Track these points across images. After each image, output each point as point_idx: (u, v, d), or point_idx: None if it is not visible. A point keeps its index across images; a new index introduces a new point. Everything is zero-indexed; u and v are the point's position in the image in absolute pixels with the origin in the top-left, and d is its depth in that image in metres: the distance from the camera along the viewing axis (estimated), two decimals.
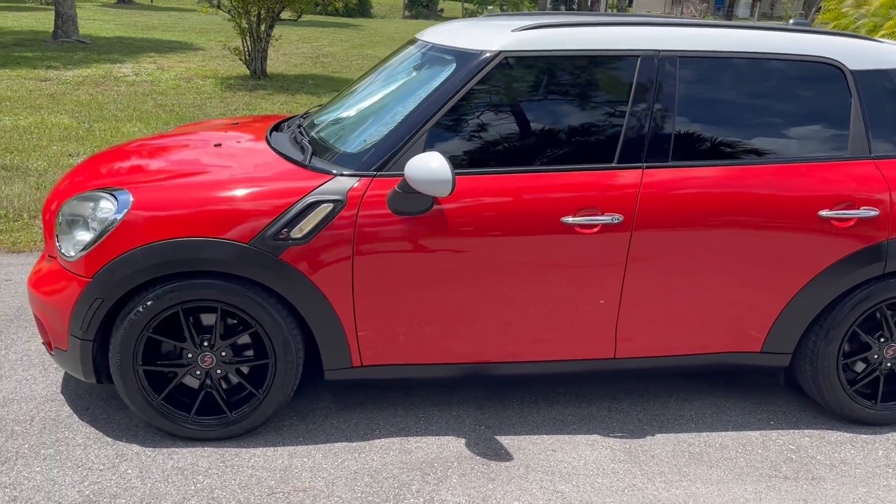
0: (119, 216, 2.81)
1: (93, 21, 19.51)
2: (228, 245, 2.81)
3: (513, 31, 3.02)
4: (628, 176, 2.95)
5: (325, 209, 2.83)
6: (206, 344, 2.94)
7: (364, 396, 3.36)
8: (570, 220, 2.91)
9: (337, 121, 3.41)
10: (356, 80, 3.83)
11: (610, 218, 2.92)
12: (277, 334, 2.92)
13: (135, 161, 3.39)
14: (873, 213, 3.02)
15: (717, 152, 3.05)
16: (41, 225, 5.41)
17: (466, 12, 32.05)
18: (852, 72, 3.10)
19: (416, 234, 2.88)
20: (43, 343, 3.18)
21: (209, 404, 3.00)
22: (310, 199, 2.84)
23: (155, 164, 3.30)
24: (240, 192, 2.87)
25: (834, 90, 3.10)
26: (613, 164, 2.97)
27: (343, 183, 2.88)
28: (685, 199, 2.97)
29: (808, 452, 3.09)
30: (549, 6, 33.85)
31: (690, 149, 3.03)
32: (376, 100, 3.34)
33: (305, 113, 3.91)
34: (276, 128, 3.63)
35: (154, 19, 21.84)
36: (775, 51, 3.08)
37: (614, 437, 3.15)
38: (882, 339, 3.21)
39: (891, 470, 3.00)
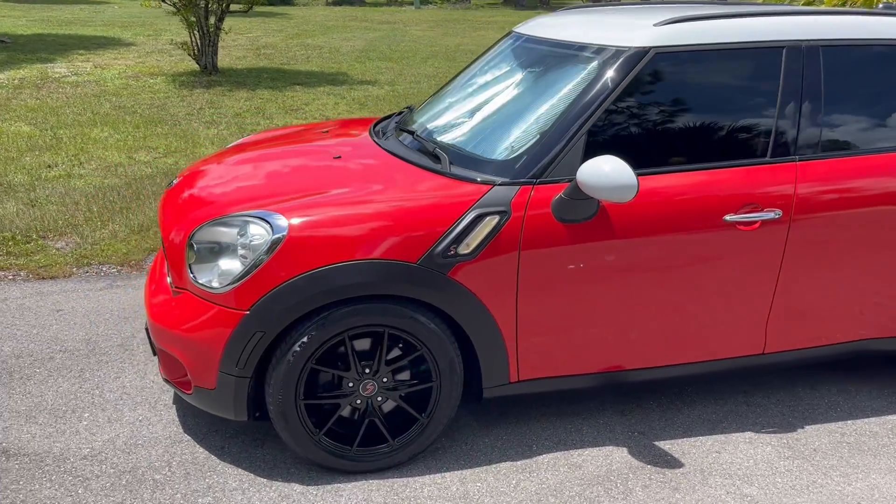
0: (276, 242, 2.59)
1: (3, 18, 18.28)
2: (397, 266, 2.64)
3: (655, 25, 2.93)
4: (784, 170, 2.93)
5: (492, 221, 2.69)
6: (367, 371, 2.76)
7: (501, 412, 3.24)
8: (731, 217, 2.87)
9: (456, 124, 3.24)
10: (455, 78, 3.67)
11: (772, 213, 2.89)
12: (443, 355, 2.77)
13: (252, 178, 3.15)
14: None
15: (863, 141, 3.05)
16: (56, 246, 5.03)
17: None
18: None
19: (581, 241, 2.78)
20: (167, 380, 2.93)
21: (366, 434, 2.82)
22: (475, 211, 2.69)
23: (280, 181, 3.06)
24: (400, 209, 2.70)
25: None
26: (769, 159, 2.94)
27: (504, 193, 2.74)
28: (838, 191, 2.97)
29: None
30: None
31: (838, 139, 3.02)
32: (501, 100, 3.19)
33: (399, 114, 3.72)
34: (376, 133, 3.45)
35: (67, 13, 20.62)
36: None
37: (767, 432, 3.14)
38: None
39: None
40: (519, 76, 3.30)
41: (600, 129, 2.84)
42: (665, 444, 3.05)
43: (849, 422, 3.22)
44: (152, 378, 3.43)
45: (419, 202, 2.73)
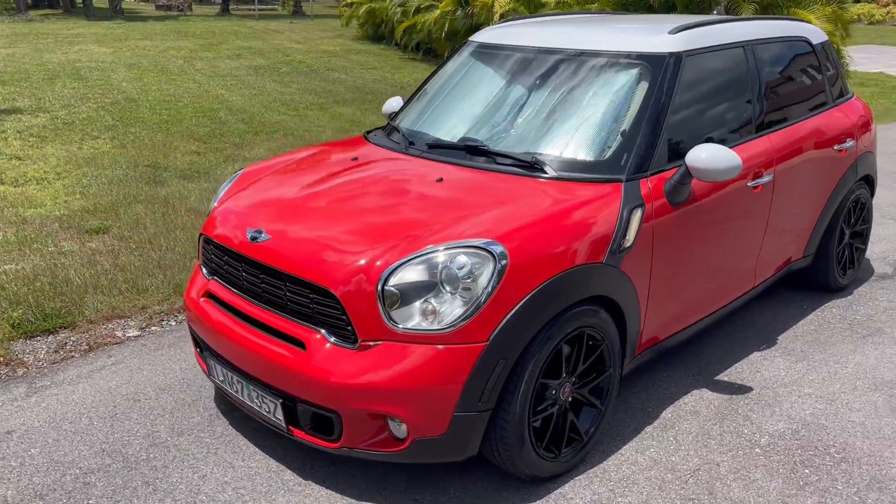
0: (502, 268, 2.56)
1: None
2: (594, 268, 2.81)
3: (670, 32, 3.45)
4: (766, 142, 3.72)
5: (637, 213, 2.99)
6: (564, 374, 2.86)
7: None
8: (751, 182, 3.57)
9: (510, 133, 3.34)
10: (430, 89, 3.88)
11: (769, 177, 3.66)
12: (614, 344, 3.00)
13: (379, 209, 2.91)
14: (850, 143, 4.32)
15: (787, 116, 3.98)
16: None
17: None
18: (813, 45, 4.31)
19: (685, 218, 3.21)
20: (349, 448, 2.64)
21: (555, 433, 2.92)
22: (626, 207, 2.95)
23: (424, 208, 2.89)
24: (574, 215, 2.84)
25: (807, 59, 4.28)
26: (758, 134, 3.70)
27: (633, 187, 3.04)
28: (790, 152, 3.86)
29: (855, 312, 4.32)
30: None
31: (774, 116, 3.89)
32: (547, 107, 3.35)
33: (387, 128, 3.73)
34: (412, 153, 3.43)
35: None
36: (786, 34, 4.12)
37: (763, 350, 3.93)
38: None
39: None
40: (538, 82, 3.50)
41: (669, 125, 3.28)
42: (723, 377, 3.66)
43: (796, 327, 4.19)
44: (242, 462, 2.97)
45: (581, 206, 2.89)
